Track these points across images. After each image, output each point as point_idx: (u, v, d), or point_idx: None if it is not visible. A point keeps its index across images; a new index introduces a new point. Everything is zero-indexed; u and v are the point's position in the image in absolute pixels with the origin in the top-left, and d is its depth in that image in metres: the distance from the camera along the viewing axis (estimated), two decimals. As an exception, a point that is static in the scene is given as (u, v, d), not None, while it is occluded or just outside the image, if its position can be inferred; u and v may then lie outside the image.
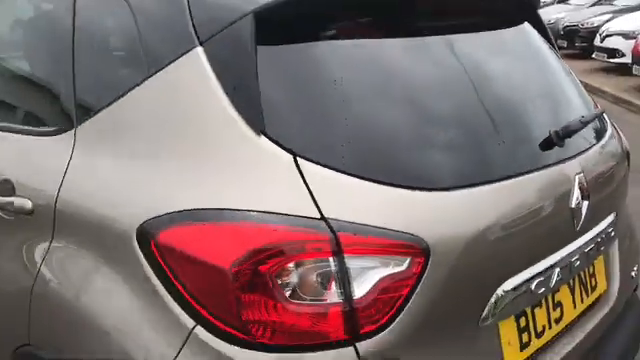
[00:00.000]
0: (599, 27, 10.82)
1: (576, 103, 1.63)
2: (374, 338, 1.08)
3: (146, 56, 1.27)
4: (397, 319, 1.10)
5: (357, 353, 1.07)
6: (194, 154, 1.17)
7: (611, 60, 10.10)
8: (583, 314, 1.55)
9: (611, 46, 10.04)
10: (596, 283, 1.61)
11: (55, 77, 1.47)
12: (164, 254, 1.11)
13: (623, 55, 9.67)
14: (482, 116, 1.33)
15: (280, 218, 1.06)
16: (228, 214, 1.08)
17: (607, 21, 10.95)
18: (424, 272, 1.10)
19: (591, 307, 1.59)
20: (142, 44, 1.28)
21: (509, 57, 1.57)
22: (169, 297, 1.10)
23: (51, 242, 1.33)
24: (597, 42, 10.42)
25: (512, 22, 1.65)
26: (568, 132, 1.42)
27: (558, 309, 1.45)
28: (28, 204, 1.38)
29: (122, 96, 1.29)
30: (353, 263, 1.06)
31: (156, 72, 1.24)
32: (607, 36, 10.22)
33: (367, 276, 1.07)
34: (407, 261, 1.09)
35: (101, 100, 1.33)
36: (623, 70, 9.63)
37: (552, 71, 1.67)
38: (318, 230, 1.05)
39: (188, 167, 1.16)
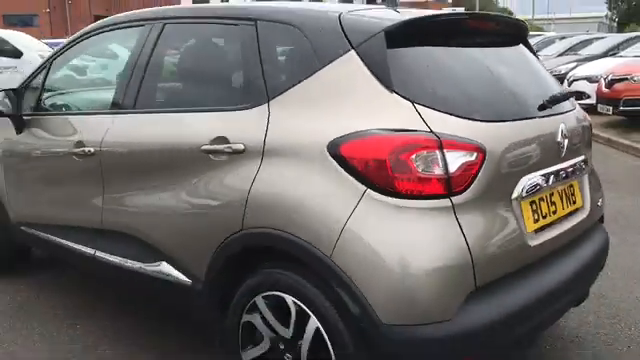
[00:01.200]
0: (566, 74, 12.23)
1: (554, 87, 2.68)
2: (459, 195, 2.04)
3: (317, 58, 2.27)
4: (470, 187, 2.06)
5: (451, 202, 2.03)
6: (354, 105, 2.15)
7: (579, 102, 11.35)
8: (569, 215, 2.53)
9: (578, 89, 11.38)
10: (575, 199, 2.60)
11: (251, 77, 2.45)
12: (345, 156, 2.07)
13: (589, 97, 10.99)
14: (509, 88, 2.39)
15: (410, 132, 2.04)
16: (380, 131, 2.06)
17: (573, 68, 12.36)
18: (484, 162, 2.08)
19: (573, 212, 2.57)
20: (314, 50, 2.28)
21: (518, 59, 2.64)
22: (351, 178, 2.05)
23: (260, 165, 2.28)
24: (565, 87, 11.77)
25: (517, 41, 2.72)
26: (552, 100, 2.46)
27: (554, 206, 2.43)
28: (241, 146, 2.34)
29: (301, 81, 2.28)
30: (449, 154, 2.03)
31: (326, 65, 2.24)
32: (574, 81, 11.59)
33: (456, 161, 2.04)
34: (475, 154, 2.07)
35: (285, 85, 2.32)
36: (590, 110, 10.82)
37: (539, 68, 2.73)
38: (430, 136, 2.03)
39: (351, 111, 2.14)
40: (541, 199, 2.36)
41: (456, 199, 2.04)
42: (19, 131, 3.51)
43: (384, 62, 2.14)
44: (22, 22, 48.56)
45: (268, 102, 2.35)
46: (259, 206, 2.27)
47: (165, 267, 2.70)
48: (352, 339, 2.08)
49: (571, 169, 2.52)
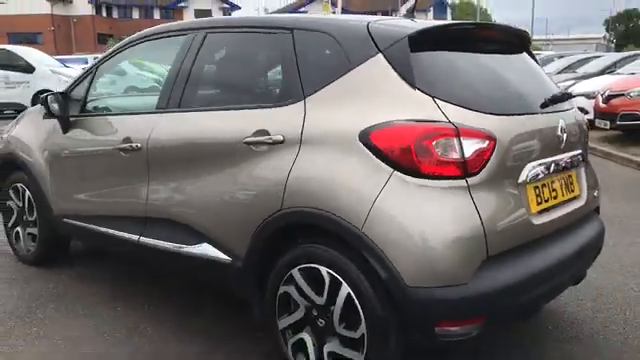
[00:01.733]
0: (565, 90, 12.60)
1: (554, 88, 3.02)
2: (474, 177, 2.37)
3: (348, 60, 2.61)
4: (483, 170, 2.39)
5: (467, 182, 2.36)
6: (382, 100, 2.49)
7: (577, 118, 11.77)
8: (568, 201, 2.86)
9: (577, 106, 11.74)
10: (573, 188, 2.93)
11: (288, 78, 2.81)
12: (375, 143, 2.40)
13: (587, 112, 11.33)
14: (514, 88, 2.76)
15: (431, 122, 2.38)
16: (406, 121, 2.39)
17: (571, 85, 12.75)
18: (494, 149, 2.42)
19: (571, 200, 2.90)
20: (345, 54, 2.63)
21: (522, 64, 3.00)
22: (380, 162, 2.38)
23: (298, 153, 2.61)
24: (564, 102, 12.16)
25: (521, 50, 3.07)
26: (553, 99, 2.82)
27: (554, 192, 2.76)
28: (281, 137, 2.68)
29: (334, 81, 2.62)
30: (464, 141, 2.36)
31: (356, 66, 2.58)
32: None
33: (471, 147, 2.37)
34: (487, 142, 2.40)
35: (319, 84, 2.66)
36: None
37: (541, 73, 3.08)
38: (448, 126, 2.36)
39: (379, 105, 2.48)
40: (543, 185, 2.69)
41: (471, 180, 2.37)
42: (65, 131, 3.85)
43: (407, 63, 2.49)
44: (27, 40, 49.27)
45: (304, 99, 2.68)
46: (297, 188, 2.59)
47: (207, 248, 3.01)
48: (380, 301, 2.39)
49: (569, 160, 2.85)
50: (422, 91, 2.44)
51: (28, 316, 3.54)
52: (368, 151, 2.42)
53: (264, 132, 2.74)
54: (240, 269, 2.87)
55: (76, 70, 18.48)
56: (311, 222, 2.57)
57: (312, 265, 2.58)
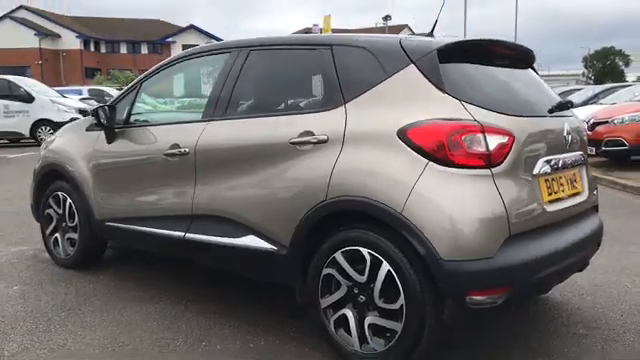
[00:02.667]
0: (551, 119, 13.20)
1: (558, 98, 3.47)
2: (497, 167, 2.77)
3: (383, 70, 3.03)
4: (504, 162, 2.79)
5: (491, 172, 2.76)
6: (416, 103, 2.90)
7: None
8: (572, 195, 3.27)
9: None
10: (577, 185, 3.34)
11: (329, 87, 3.20)
12: (412, 139, 2.80)
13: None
14: (526, 95, 3.20)
15: (460, 120, 2.78)
16: (438, 120, 2.80)
17: (557, 115, 13.37)
18: (513, 144, 2.82)
19: (575, 194, 3.31)
20: (381, 65, 3.04)
21: (529, 77, 3.45)
22: (416, 154, 2.77)
23: (341, 149, 3.00)
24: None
25: (527, 65, 3.52)
26: (558, 106, 3.25)
27: (561, 186, 3.17)
28: (325, 137, 3.06)
29: (371, 89, 3.03)
30: (488, 137, 2.77)
31: (391, 76, 2.99)
32: (558, 125, 12.53)
33: (493, 142, 2.77)
34: (507, 138, 2.81)
35: (358, 91, 3.07)
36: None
37: (545, 85, 3.53)
38: (475, 123, 2.77)
39: (414, 107, 2.88)
40: (553, 179, 3.10)
41: (494, 170, 2.77)
42: (110, 141, 4.21)
43: (437, 72, 2.90)
44: (15, 73, 49.49)
45: (344, 104, 3.08)
46: (341, 180, 2.96)
47: (252, 239, 3.35)
48: (417, 275, 2.75)
49: (574, 158, 3.28)
50: (450, 95, 2.86)
51: (79, 308, 3.84)
52: (405, 146, 2.81)
53: (309, 133, 3.13)
54: (285, 256, 3.21)
55: (73, 100, 18.89)
56: (354, 209, 2.93)
57: (354, 247, 2.94)
